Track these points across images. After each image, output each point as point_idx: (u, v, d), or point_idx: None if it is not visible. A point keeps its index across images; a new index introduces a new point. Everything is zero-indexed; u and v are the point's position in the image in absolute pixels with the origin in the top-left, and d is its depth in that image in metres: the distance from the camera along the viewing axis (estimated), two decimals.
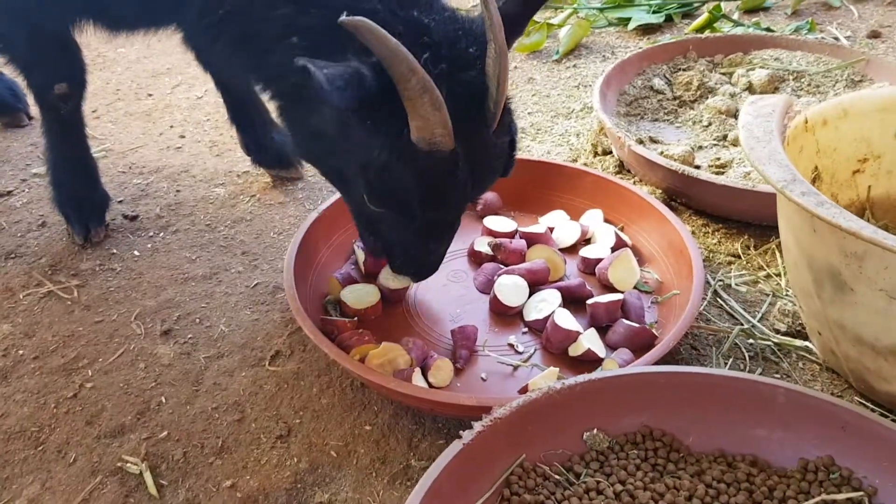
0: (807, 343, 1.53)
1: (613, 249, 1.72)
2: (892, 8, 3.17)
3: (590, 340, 1.47)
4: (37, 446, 1.41)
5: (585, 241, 1.80)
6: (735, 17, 3.11)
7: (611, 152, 2.17)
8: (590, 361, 1.47)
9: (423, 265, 1.46)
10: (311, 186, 2.13)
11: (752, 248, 1.81)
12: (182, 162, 2.29)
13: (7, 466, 1.37)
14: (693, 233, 1.85)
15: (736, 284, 1.70)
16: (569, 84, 2.68)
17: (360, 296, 1.59)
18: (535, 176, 1.91)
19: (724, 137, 2.14)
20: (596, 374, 1.24)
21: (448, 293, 1.67)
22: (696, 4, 3.17)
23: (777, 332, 1.57)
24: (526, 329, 1.57)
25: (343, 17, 1.06)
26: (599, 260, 1.69)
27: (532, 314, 1.57)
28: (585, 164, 2.13)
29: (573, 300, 1.61)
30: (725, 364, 1.51)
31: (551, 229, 1.80)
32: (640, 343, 1.48)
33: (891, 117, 1.56)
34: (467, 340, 1.50)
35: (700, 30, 2.97)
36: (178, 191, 2.15)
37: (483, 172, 1.33)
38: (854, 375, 1.39)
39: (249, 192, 2.12)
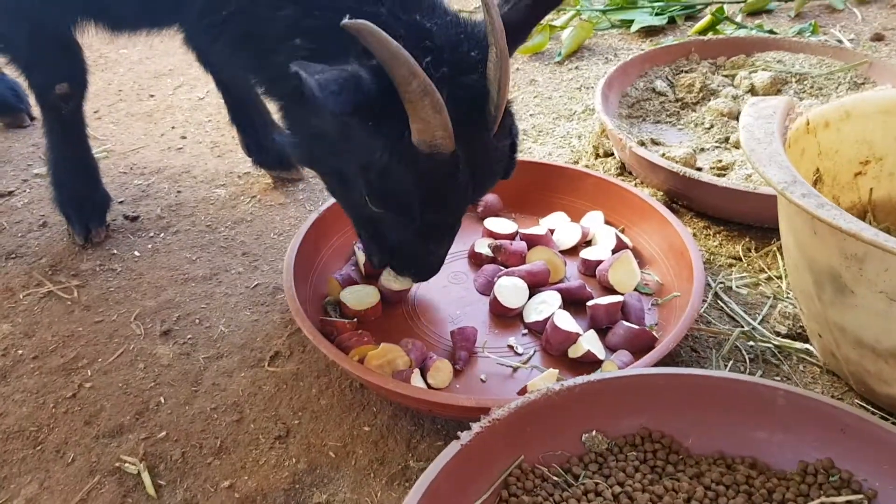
0: (807, 346, 1.52)
1: (614, 251, 1.72)
2: (895, 11, 3.17)
3: (589, 342, 1.47)
4: (35, 446, 1.41)
5: (586, 242, 1.80)
6: (738, 19, 3.10)
7: (612, 154, 2.16)
8: (589, 363, 1.47)
9: (425, 266, 1.46)
10: (312, 188, 2.13)
11: (753, 251, 1.81)
12: (183, 163, 2.29)
13: (5, 466, 1.37)
14: (694, 235, 1.85)
15: (737, 287, 1.70)
16: (571, 86, 2.68)
17: (360, 297, 1.59)
18: (536, 178, 1.91)
19: (726, 140, 2.14)
20: (595, 376, 1.23)
21: (448, 294, 1.67)
22: (699, 7, 3.17)
23: (777, 334, 1.57)
24: (526, 331, 1.57)
25: (345, 20, 1.06)
26: (600, 262, 1.68)
27: (532, 316, 1.57)
28: (587, 166, 2.13)
29: (573, 302, 1.60)
30: (725, 366, 1.50)
31: (552, 231, 1.80)
32: (640, 345, 1.48)
33: (893, 119, 1.56)
34: (467, 342, 1.50)
35: (703, 32, 2.96)
36: (178, 191, 2.15)
37: (484, 175, 1.33)
38: (854, 378, 1.39)
39: (250, 193, 2.12)
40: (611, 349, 1.50)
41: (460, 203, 1.36)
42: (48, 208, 2.02)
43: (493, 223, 1.81)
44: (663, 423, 1.23)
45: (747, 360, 1.52)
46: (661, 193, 1.96)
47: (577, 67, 2.82)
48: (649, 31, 3.07)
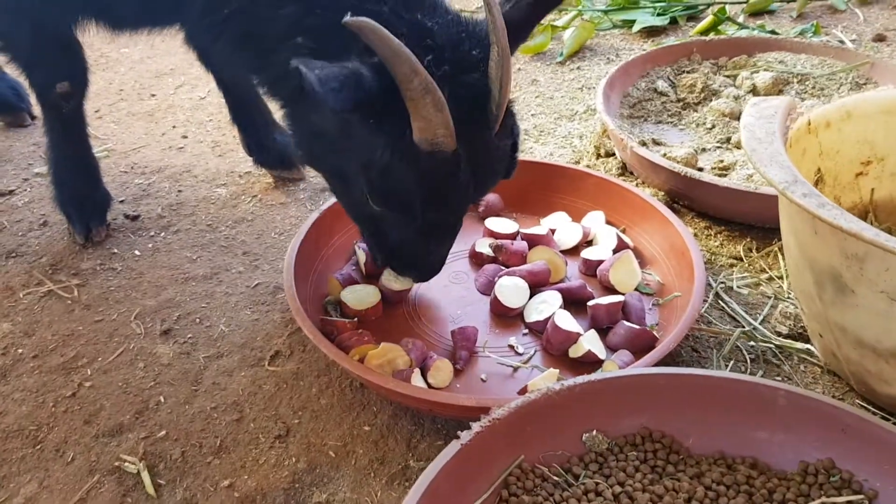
0: (808, 346, 1.52)
1: (615, 251, 1.71)
2: None
3: (590, 342, 1.47)
4: (35, 445, 1.40)
5: (587, 242, 1.79)
6: (740, 19, 3.10)
7: (614, 154, 2.16)
8: (590, 363, 1.46)
9: (426, 266, 1.46)
10: (313, 187, 2.13)
11: (754, 251, 1.80)
12: (184, 162, 2.29)
13: (5, 465, 1.37)
14: (695, 235, 1.85)
15: (738, 287, 1.69)
16: (572, 86, 2.68)
17: (361, 296, 1.59)
18: (538, 178, 1.90)
19: (728, 140, 2.14)
20: (595, 376, 1.23)
21: (449, 294, 1.67)
22: (700, 7, 3.17)
23: (778, 334, 1.56)
24: (526, 330, 1.57)
25: (347, 18, 1.06)
26: (601, 262, 1.68)
27: (533, 315, 1.56)
28: (588, 166, 2.12)
29: (574, 302, 1.60)
30: (726, 366, 1.50)
31: (553, 231, 1.80)
32: (641, 345, 1.48)
33: (895, 119, 1.55)
34: (467, 341, 1.50)
35: (705, 32, 2.96)
36: (179, 191, 2.15)
37: (485, 174, 1.33)
38: (855, 378, 1.38)
39: (251, 193, 2.12)
40: (611, 349, 1.50)
41: (461, 202, 1.36)
42: (49, 207, 2.02)
43: (494, 223, 1.81)
44: (664, 423, 1.23)
45: (748, 361, 1.51)
46: (663, 193, 1.96)
47: (578, 67, 2.82)
48: (651, 32, 3.07)
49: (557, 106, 2.54)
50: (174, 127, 2.50)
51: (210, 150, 2.35)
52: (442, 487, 1.06)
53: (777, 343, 1.54)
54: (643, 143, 2.06)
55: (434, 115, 1.15)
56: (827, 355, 1.45)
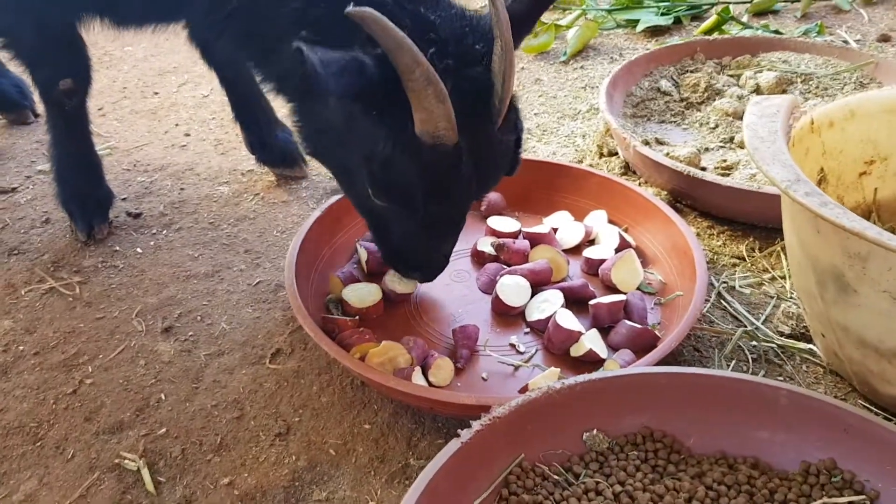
0: (810, 346, 1.52)
1: (617, 250, 1.71)
2: None
3: (592, 341, 1.46)
4: (35, 442, 1.40)
5: (589, 241, 1.79)
6: (744, 19, 3.09)
7: (616, 154, 2.16)
8: (591, 362, 1.46)
9: (430, 264, 1.46)
10: (315, 185, 2.13)
11: (756, 251, 1.80)
12: (187, 160, 2.29)
13: (5, 462, 1.37)
14: (698, 234, 1.84)
15: (740, 286, 1.69)
16: (576, 85, 2.68)
17: (362, 295, 1.59)
18: (540, 176, 1.90)
19: (731, 139, 2.13)
20: (596, 375, 1.23)
21: (451, 293, 1.67)
22: (704, 7, 3.16)
23: (781, 334, 1.56)
24: (528, 329, 1.57)
25: (350, 8, 1.06)
26: (603, 261, 1.68)
27: (534, 314, 1.56)
28: (591, 165, 2.12)
29: (576, 301, 1.60)
30: (728, 366, 1.49)
31: (555, 230, 1.79)
32: (643, 344, 1.47)
33: None
34: (468, 340, 1.49)
35: (708, 32, 2.95)
36: (182, 189, 2.15)
37: (488, 169, 1.33)
38: (857, 378, 1.38)
39: (253, 191, 2.12)
40: (613, 348, 1.49)
41: (464, 196, 1.35)
42: (51, 205, 2.02)
43: (497, 222, 1.81)
44: (665, 423, 1.23)
45: (750, 360, 1.51)
46: (665, 193, 1.95)
47: (582, 67, 2.81)
48: (655, 31, 3.07)
49: (560, 105, 2.54)
50: (177, 125, 2.51)
51: (212, 148, 2.35)
52: (442, 486, 1.06)
53: (779, 343, 1.53)
54: (646, 143, 2.06)
55: (436, 106, 1.14)
56: (829, 355, 1.44)
